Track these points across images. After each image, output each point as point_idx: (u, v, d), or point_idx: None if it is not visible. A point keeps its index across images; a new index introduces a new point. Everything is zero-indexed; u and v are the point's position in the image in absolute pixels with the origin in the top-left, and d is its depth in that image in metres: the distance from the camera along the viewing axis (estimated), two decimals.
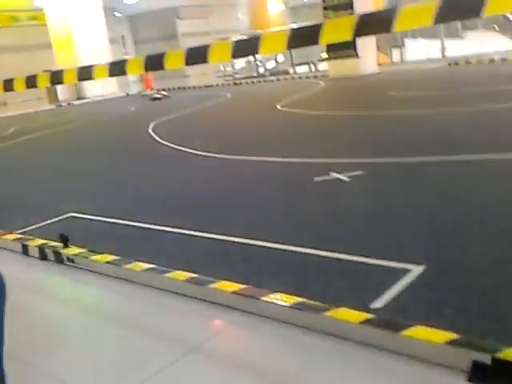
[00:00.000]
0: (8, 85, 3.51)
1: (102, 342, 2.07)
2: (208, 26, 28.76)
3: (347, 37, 1.98)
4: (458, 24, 20.47)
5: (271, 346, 1.87)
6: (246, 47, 2.39)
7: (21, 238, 3.28)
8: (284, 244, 2.67)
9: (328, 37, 2.09)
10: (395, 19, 1.83)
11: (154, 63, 2.70)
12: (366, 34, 2.07)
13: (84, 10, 17.25)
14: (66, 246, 2.96)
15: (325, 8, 12.62)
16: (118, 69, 2.90)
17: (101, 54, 16.38)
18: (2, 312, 0.94)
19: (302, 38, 2.18)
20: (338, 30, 2.07)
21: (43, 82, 3.35)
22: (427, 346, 1.58)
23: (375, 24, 1.97)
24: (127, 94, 17.95)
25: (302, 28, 2.15)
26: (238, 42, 2.32)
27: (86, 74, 3.08)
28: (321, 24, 2.04)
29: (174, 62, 2.58)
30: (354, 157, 4.31)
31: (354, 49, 12.40)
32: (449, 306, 1.88)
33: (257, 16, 26.72)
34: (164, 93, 14.21)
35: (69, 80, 3.25)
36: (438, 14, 1.72)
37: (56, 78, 3.25)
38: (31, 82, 3.36)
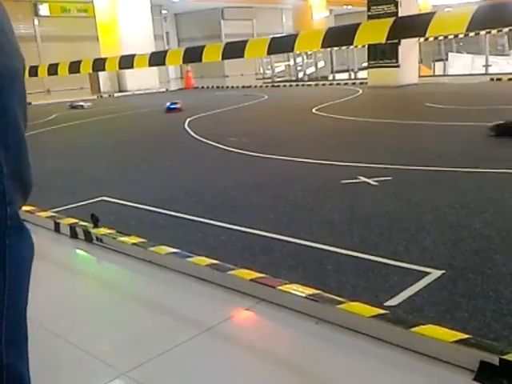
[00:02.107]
0: (52, 69, 3.66)
1: (122, 317, 2.15)
2: (252, 28, 28.96)
3: (381, 39, 2.02)
4: (506, 42, 20.12)
5: (283, 333, 1.92)
6: (283, 44, 2.45)
7: (54, 216, 3.42)
8: (306, 240, 2.71)
9: (363, 38, 2.13)
10: (430, 24, 1.86)
11: (193, 55, 2.79)
12: (401, 37, 2.11)
13: (132, 4, 17.64)
14: (95, 226, 3.07)
15: (369, 17, 12.58)
16: (157, 59, 3.00)
17: (145, 48, 16.63)
18: (28, 277, 0.95)
19: (338, 37, 2.23)
20: (373, 31, 2.12)
21: (86, 69, 3.48)
22: (436, 343, 1.60)
23: (409, 28, 2.01)
24: (167, 90, 18.25)
25: (338, 27, 2.20)
26: (274, 39, 2.38)
27: (127, 62, 3.19)
28: (357, 24, 2.08)
29: (212, 55, 2.66)
30: (384, 163, 4.31)
31: (396, 58, 12.33)
32: (463, 309, 1.89)
33: (301, 21, 26.79)
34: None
35: (110, 67, 3.37)
36: (472, 21, 1.75)
37: (98, 64, 3.38)
38: (74, 67, 3.50)
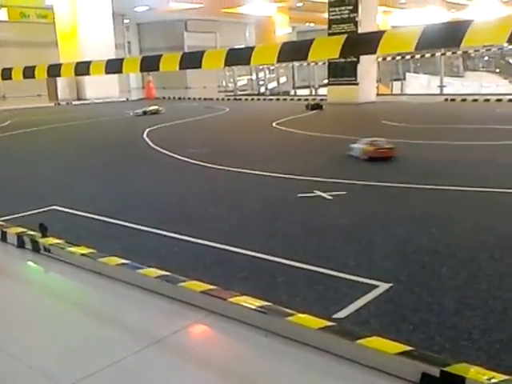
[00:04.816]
0: (6, 73, 3.56)
1: (68, 329, 2.09)
2: (215, 42, 29.05)
3: (334, 55, 2.05)
4: (460, 64, 20.90)
5: (232, 346, 1.91)
6: (239, 56, 2.46)
7: (0, 225, 3.30)
8: (259, 252, 2.71)
9: (317, 53, 2.16)
10: (380, 42, 1.90)
11: (150, 64, 2.76)
12: (354, 54, 2.16)
13: (93, 12, 17.43)
14: (44, 235, 2.98)
15: (330, 35, 12.85)
16: (114, 66, 2.95)
17: (105, 57, 16.41)
18: None
19: (293, 52, 2.25)
20: (326, 47, 2.15)
21: (41, 74, 3.39)
22: (380, 355, 1.62)
23: (362, 45, 2.05)
24: (127, 99, 18.07)
25: (293, 42, 2.23)
26: (231, 50, 2.39)
27: (83, 69, 3.13)
28: (311, 40, 2.11)
29: (170, 64, 2.63)
30: (339, 178, 4.38)
31: (355, 76, 12.63)
32: (408, 322, 1.92)
33: (264, 36, 27.08)
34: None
35: (66, 73, 3.29)
36: (420, 40, 1.80)
37: (53, 70, 3.30)
38: (29, 72, 3.40)
